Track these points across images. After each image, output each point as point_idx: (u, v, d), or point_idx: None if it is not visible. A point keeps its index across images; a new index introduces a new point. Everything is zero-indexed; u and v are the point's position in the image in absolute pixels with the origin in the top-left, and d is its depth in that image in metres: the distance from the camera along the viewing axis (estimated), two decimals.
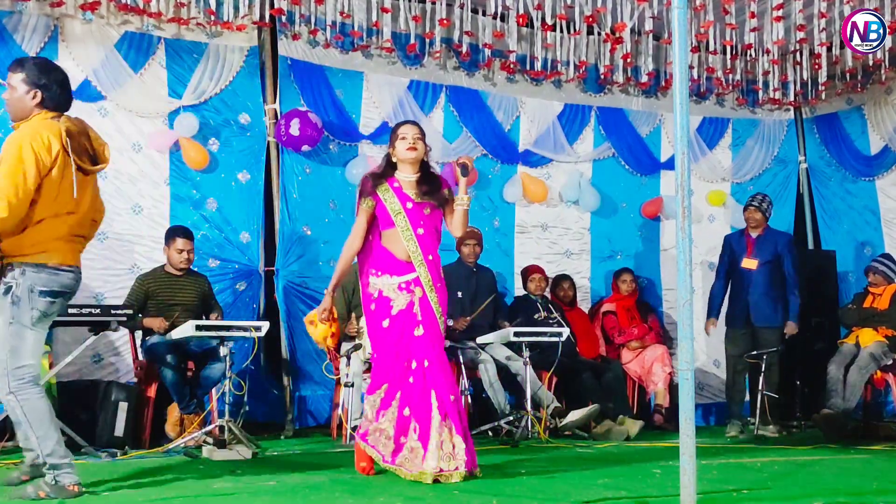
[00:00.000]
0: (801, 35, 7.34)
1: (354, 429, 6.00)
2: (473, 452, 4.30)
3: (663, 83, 8.37)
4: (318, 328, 4.89)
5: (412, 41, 7.36)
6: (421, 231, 4.42)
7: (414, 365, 4.34)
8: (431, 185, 4.50)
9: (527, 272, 7.60)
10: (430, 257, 4.44)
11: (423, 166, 4.54)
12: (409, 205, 4.43)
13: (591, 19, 7.34)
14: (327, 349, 5.94)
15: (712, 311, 7.29)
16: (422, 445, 4.21)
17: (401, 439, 4.27)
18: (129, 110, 6.69)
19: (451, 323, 6.77)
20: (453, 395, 4.32)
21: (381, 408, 4.34)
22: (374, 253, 4.48)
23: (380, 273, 4.42)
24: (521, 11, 7.16)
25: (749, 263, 7.19)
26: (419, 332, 4.37)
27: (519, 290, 7.82)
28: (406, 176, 4.50)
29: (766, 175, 8.89)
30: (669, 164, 8.47)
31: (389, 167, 4.53)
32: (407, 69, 7.62)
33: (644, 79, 8.15)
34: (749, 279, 7.16)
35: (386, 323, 4.38)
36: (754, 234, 7.29)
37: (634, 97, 8.50)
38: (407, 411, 4.29)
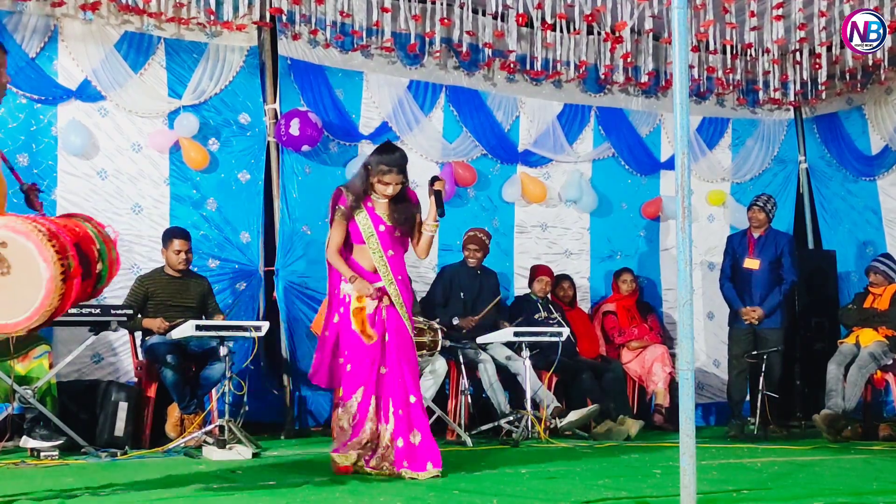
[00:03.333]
0: (801, 34, 7.34)
1: None
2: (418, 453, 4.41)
3: (663, 83, 8.37)
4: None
5: (412, 41, 7.36)
6: (391, 252, 4.57)
7: (383, 370, 4.50)
8: (404, 210, 4.60)
9: (534, 272, 7.59)
10: (400, 277, 4.58)
11: None
12: (382, 227, 4.56)
13: (591, 19, 7.34)
14: None
15: (736, 303, 7.24)
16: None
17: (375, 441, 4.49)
18: (129, 110, 6.69)
19: (456, 322, 6.78)
20: (401, 410, 4.45)
21: (360, 416, 4.47)
22: (345, 261, 4.61)
23: (349, 280, 4.55)
24: (521, 11, 7.16)
25: (751, 264, 7.20)
26: (386, 338, 4.53)
27: (519, 290, 7.82)
28: (380, 198, 4.59)
29: (766, 175, 8.88)
30: (669, 164, 8.47)
31: (365, 186, 4.57)
32: (407, 69, 7.62)
33: (644, 79, 8.15)
34: (751, 279, 7.17)
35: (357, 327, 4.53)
36: (756, 235, 7.30)
37: (634, 97, 8.50)
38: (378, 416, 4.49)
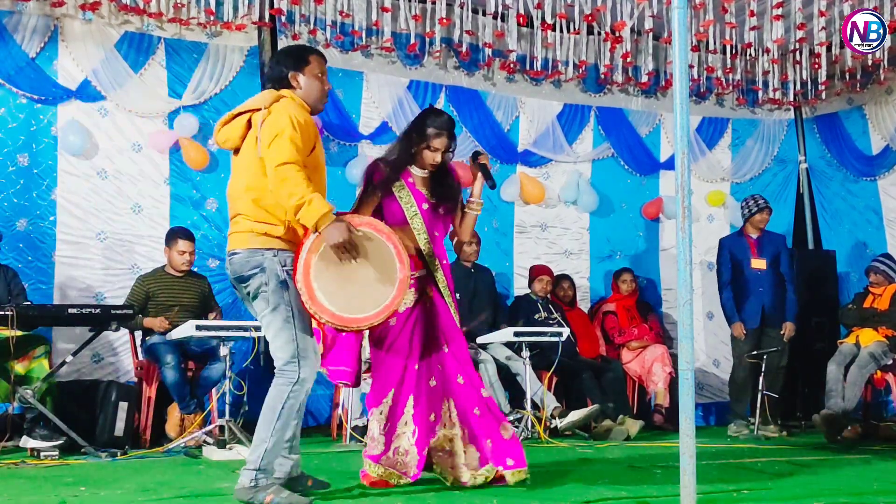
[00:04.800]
0: (800, 34, 7.34)
1: (354, 428, 6.03)
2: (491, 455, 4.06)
3: (663, 83, 8.37)
4: None
5: (412, 41, 7.36)
6: (437, 234, 4.16)
7: (421, 369, 4.06)
8: (447, 185, 4.18)
9: (534, 272, 7.59)
10: (444, 261, 4.17)
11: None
12: (425, 206, 4.13)
13: (590, 18, 7.34)
14: None
15: (734, 317, 7.21)
16: (418, 452, 4.02)
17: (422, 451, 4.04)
18: (129, 110, 6.69)
19: None
20: (477, 409, 4.07)
21: (391, 428, 4.03)
22: None
23: None
24: (521, 11, 7.16)
25: (759, 264, 7.21)
26: (435, 333, 4.10)
27: (518, 291, 7.82)
28: (420, 171, 4.17)
29: (766, 175, 8.88)
30: (669, 165, 8.47)
31: (406, 157, 4.14)
32: (407, 69, 7.62)
33: (644, 78, 8.15)
34: (760, 280, 7.18)
35: (393, 321, 4.01)
36: (755, 236, 7.30)
37: (634, 97, 8.50)
38: (416, 422, 4.05)
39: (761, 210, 7.29)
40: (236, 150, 3.77)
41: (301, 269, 3.49)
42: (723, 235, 7.70)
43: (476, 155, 4.27)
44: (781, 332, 7.19)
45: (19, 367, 5.31)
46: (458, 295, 6.84)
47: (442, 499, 3.82)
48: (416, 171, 4.18)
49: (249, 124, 3.69)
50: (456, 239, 4.38)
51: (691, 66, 7.93)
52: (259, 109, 3.67)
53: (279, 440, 3.60)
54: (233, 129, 3.74)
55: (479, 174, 4.20)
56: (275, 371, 3.64)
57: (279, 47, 7.09)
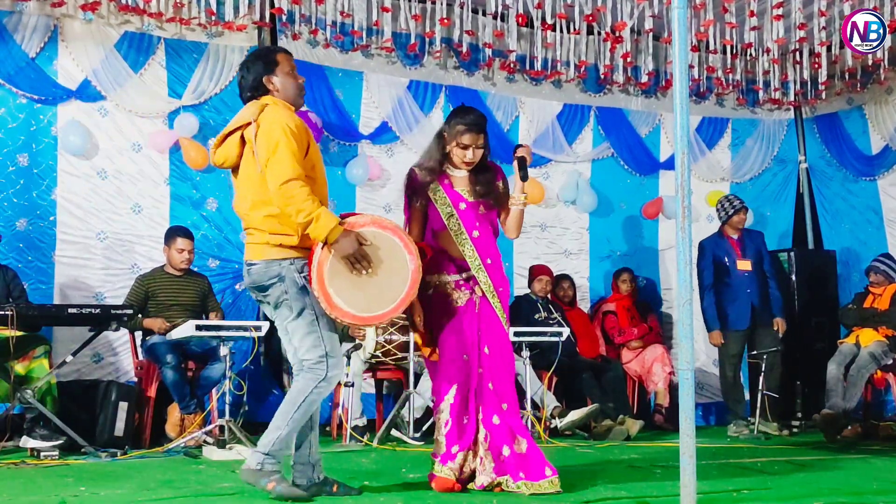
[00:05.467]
0: (800, 34, 7.34)
1: (354, 428, 6.03)
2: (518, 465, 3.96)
3: (663, 83, 8.37)
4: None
5: (412, 41, 7.37)
6: (476, 234, 4.05)
7: (478, 370, 4.03)
8: (487, 181, 4.10)
9: (533, 272, 7.59)
10: (489, 261, 4.06)
11: None
12: (463, 205, 4.05)
13: (590, 18, 7.34)
14: None
15: (714, 324, 7.17)
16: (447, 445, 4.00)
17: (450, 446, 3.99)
18: (129, 110, 6.69)
19: None
20: (496, 418, 3.99)
21: (455, 421, 3.98)
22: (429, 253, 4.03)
23: (432, 271, 4.02)
24: (521, 11, 7.16)
25: (745, 265, 7.20)
26: (479, 335, 4.04)
27: (518, 291, 7.81)
28: (457, 171, 4.11)
29: (766, 175, 8.88)
30: (668, 164, 8.47)
31: (441, 159, 4.09)
32: (407, 69, 7.62)
33: (644, 78, 8.15)
34: (747, 281, 7.16)
35: (446, 318, 4.03)
36: (735, 236, 7.29)
37: (634, 97, 8.50)
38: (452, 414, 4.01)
39: (738, 211, 7.26)
40: (235, 169, 3.80)
41: (315, 276, 3.57)
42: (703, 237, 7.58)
43: (516, 148, 4.22)
44: (774, 329, 7.19)
45: (19, 367, 5.31)
46: None
47: (442, 499, 3.82)
48: (453, 172, 4.13)
49: (243, 140, 3.71)
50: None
51: (691, 66, 7.93)
52: (249, 124, 3.68)
53: (293, 430, 3.68)
54: (228, 149, 3.76)
55: (517, 168, 4.15)
56: (291, 370, 3.68)
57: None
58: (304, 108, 7.04)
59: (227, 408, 5.42)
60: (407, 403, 6.10)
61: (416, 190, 4.09)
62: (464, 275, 4.05)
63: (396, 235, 3.73)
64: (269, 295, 3.70)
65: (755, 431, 6.87)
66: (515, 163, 4.16)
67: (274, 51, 3.94)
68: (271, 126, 3.61)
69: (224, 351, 5.48)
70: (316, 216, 3.52)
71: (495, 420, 3.98)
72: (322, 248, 3.58)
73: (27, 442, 5.17)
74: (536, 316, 7.26)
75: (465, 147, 4.06)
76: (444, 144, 4.10)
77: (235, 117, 3.79)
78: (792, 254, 8.12)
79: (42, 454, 5.05)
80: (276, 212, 3.63)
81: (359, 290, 3.63)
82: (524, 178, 4.13)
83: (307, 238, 3.62)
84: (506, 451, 3.95)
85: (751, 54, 7.91)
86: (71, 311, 5.36)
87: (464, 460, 3.97)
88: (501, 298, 4.06)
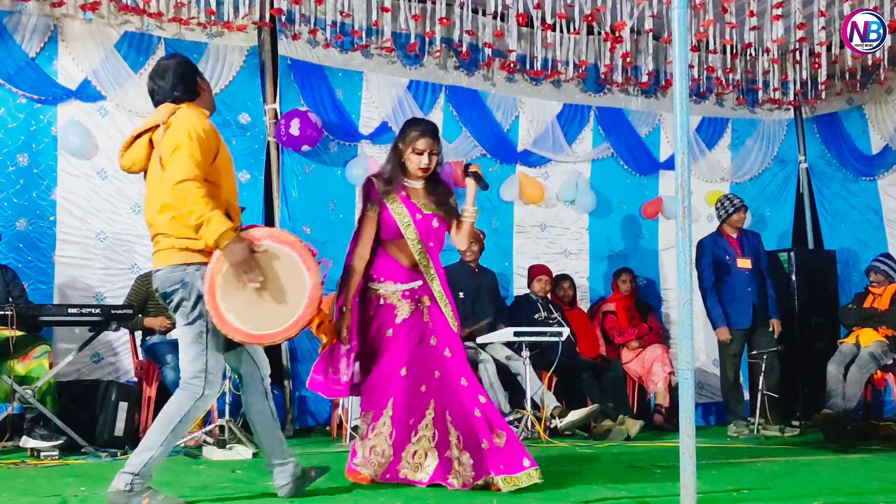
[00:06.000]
0: (800, 34, 7.34)
1: (354, 428, 6.02)
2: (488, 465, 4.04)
3: (663, 83, 8.37)
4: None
5: (412, 41, 7.36)
6: (431, 244, 4.23)
7: (409, 374, 4.15)
8: (440, 195, 4.26)
9: (532, 272, 7.59)
10: (441, 271, 4.27)
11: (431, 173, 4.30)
12: (419, 216, 4.20)
13: (590, 18, 7.34)
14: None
15: (720, 321, 7.17)
16: (394, 452, 4.13)
17: (399, 451, 4.16)
18: (129, 110, 6.69)
19: None
20: (478, 410, 4.09)
21: (370, 428, 4.16)
22: (377, 259, 4.23)
23: (382, 279, 4.20)
24: (521, 11, 7.16)
25: (745, 263, 7.21)
26: (433, 341, 4.19)
27: (518, 291, 7.82)
28: (413, 183, 4.26)
29: (766, 175, 8.89)
30: (668, 165, 8.47)
31: (398, 170, 4.23)
32: (407, 69, 7.62)
33: (644, 78, 8.15)
34: (747, 279, 7.17)
35: (390, 332, 4.17)
36: (735, 235, 7.30)
37: (634, 97, 8.50)
38: (394, 423, 4.15)
39: (738, 210, 7.27)
40: (146, 173, 3.70)
41: (207, 290, 3.46)
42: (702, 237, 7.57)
43: (467, 166, 4.35)
44: (770, 330, 7.19)
45: (19, 368, 5.31)
46: (461, 294, 6.92)
47: (442, 499, 3.82)
48: (410, 184, 4.26)
49: (152, 144, 3.64)
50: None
51: (691, 66, 7.93)
52: (158, 126, 3.62)
53: (165, 452, 3.57)
54: (137, 152, 3.67)
55: (473, 182, 4.29)
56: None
57: (279, 47, 7.11)
58: (304, 108, 7.07)
59: (226, 408, 5.42)
60: None
61: (371, 199, 4.21)
62: (414, 284, 4.19)
63: (295, 251, 3.53)
64: (171, 300, 3.58)
65: (755, 431, 6.87)
66: (473, 178, 4.30)
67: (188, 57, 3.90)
68: (178, 128, 3.53)
69: None
70: (207, 219, 3.40)
71: (477, 413, 4.07)
72: (216, 260, 3.45)
73: (27, 442, 5.18)
74: (536, 316, 7.26)
75: (421, 153, 4.19)
76: (400, 155, 4.23)
77: (146, 120, 3.72)
78: (792, 254, 8.11)
79: (42, 454, 5.05)
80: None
81: (252, 306, 3.46)
82: (485, 187, 4.33)
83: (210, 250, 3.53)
84: (485, 445, 4.02)
85: (751, 54, 7.91)
86: (71, 311, 5.36)
87: (425, 458, 4.11)
88: (451, 304, 4.25)
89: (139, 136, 3.69)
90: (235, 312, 3.46)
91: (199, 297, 3.53)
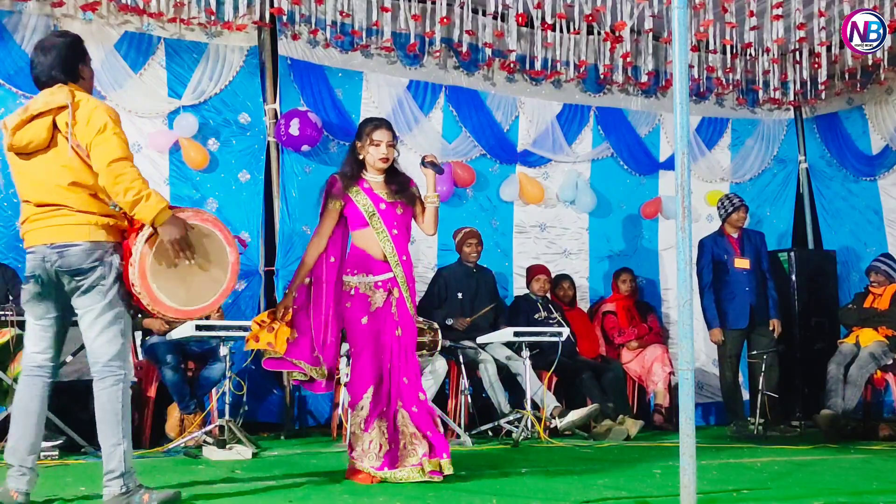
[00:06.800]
0: (800, 34, 7.34)
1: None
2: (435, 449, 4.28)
3: (663, 83, 8.37)
4: (274, 333, 4.40)
5: (412, 41, 7.36)
6: (395, 231, 4.40)
7: (389, 366, 4.36)
8: (400, 184, 4.48)
9: (531, 272, 7.60)
10: (404, 257, 4.42)
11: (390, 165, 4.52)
12: (383, 206, 4.40)
13: (590, 18, 7.34)
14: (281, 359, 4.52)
15: (714, 322, 7.19)
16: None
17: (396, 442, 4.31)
18: (128, 110, 6.68)
19: (450, 322, 6.77)
20: (415, 407, 4.33)
21: (371, 416, 4.31)
22: (350, 253, 4.46)
23: (356, 272, 4.39)
24: (521, 11, 7.16)
25: (743, 263, 7.20)
26: (398, 332, 4.37)
27: (518, 291, 7.82)
28: (374, 176, 4.47)
29: (766, 175, 8.89)
30: (668, 165, 8.47)
31: (357, 166, 4.46)
32: (406, 69, 7.62)
33: (644, 78, 8.15)
34: (745, 279, 7.16)
35: (365, 320, 4.36)
36: (735, 235, 7.29)
37: (634, 97, 8.50)
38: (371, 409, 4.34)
39: (737, 209, 7.27)
40: (33, 153, 3.59)
41: (137, 271, 3.48)
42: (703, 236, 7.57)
43: (423, 158, 4.55)
44: (771, 330, 7.19)
45: (20, 368, 5.30)
46: (460, 294, 6.93)
47: (442, 499, 3.82)
48: (370, 177, 4.46)
49: (55, 125, 3.55)
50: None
51: (691, 66, 7.93)
52: (64, 107, 3.52)
53: (130, 441, 3.55)
54: (37, 132, 3.56)
55: (430, 171, 4.49)
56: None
57: (278, 47, 7.11)
58: (304, 108, 7.07)
59: (226, 408, 5.42)
60: None
61: (334, 194, 4.44)
62: (387, 275, 4.37)
63: (217, 227, 3.71)
64: (86, 278, 3.51)
65: (755, 431, 6.87)
66: (430, 168, 4.49)
67: (81, 38, 3.77)
68: (95, 109, 3.52)
69: (224, 351, 5.48)
70: (146, 195, 3.45)
71: (414, 409, 4.31)
72: (145, 242, 3.48)
73: None
74: (536, 316, 7.26)
75: (378, 144, 4.41)
76: (358, 152, 4.47)
77: (41, 101, 3.59)
78: (792, 254, 8.12)
79: (42, 454, 5.04)
80: (102, 195, 3.51)
81: (180, 282, 3.58)
82: (440, 171, 4.51)
83: (124, 228, 3.56)
84: (429, 433, 4.27)
85: (751, 54, 7.91)
86: None
87: (380, 449, 4.27)
88: (412, 295, 4.44)
89: (37, 116, 3.56)
90: (167, 292, 3.56)
91: (117, 277, 3.52)
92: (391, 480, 4.20)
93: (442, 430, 4.38)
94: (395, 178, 4.49)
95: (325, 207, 4.46)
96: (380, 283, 4.37)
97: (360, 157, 4.45)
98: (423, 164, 4.51)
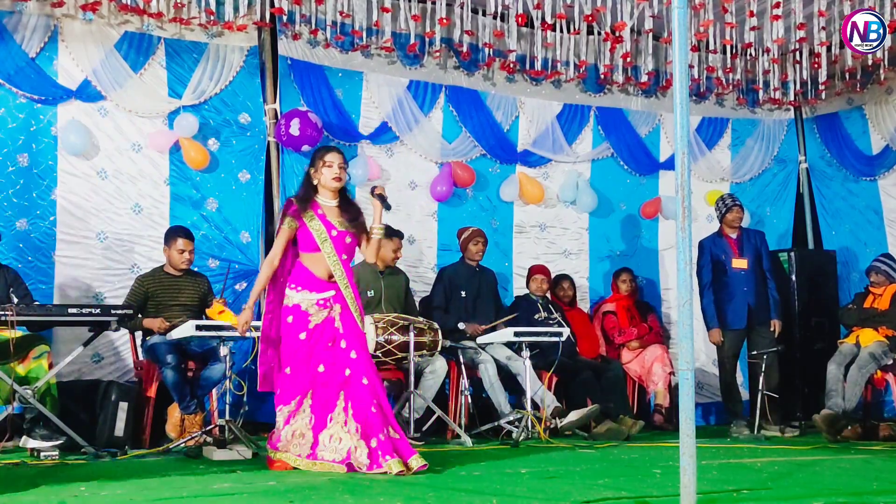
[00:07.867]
0: (800, 34, 7.34)
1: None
2: (389, 452, 4.46)
3: (663, 83, 8.37)
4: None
5: (412, 41, 7.37)
6: (344, 257, 4.72)
7: (325, 371, 4.62)
8: (352, 214, 4.78)
9: (530, 272, 7.60)
10: (352, 280, 4.74)
11: (342, 192, 4.81)
12: (334, 232, 4.70)
13: (590, 18, 7.35)
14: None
15: (713, 322, 7.20)
16: (313, 435, 4.58)
17: (317, 435, 4.61)
18: (129, 110, 6.70)
19: (462, 326, 6.76)
20: (374, 407, 4.54)
21: (291, 416, 4.63)
22: (294, 270, 4.74)
23: (299, 288, 4.67)
24: (521, 11, 7.16)
25: (741, 263, 7.20)
26: (343, 344, 4.64)
27: (518, 291, 7.82)
28: (327, 202, 4.75)
29: (766, 175, 8.89)
30: (668, 165, 8.48)
31: (311, 189, 4.75)
32: (407, 69, 7.62)
33: (644, 78, 8.15)
34: (743, 279, 7.16)
35: (303, 335, 4.64)
36: (734, 235, 7.29)
37: (634, 97, 8.50)
38: (313, 411, 4.63)
39: (730, 209, 7.26)
40: None
41: None
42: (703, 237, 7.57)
43: (373, 189, 4.84)
44: (771, 330, 7.19)
45: (19, 368, 5.31)
46: (462, 293, 6.93)
47: (441, 499, 3.82)
48: (324, 201, 4.76)
49: None
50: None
51: (691, 66, 7.93)
52: None
53: None
54: None
55: (378, 203, 4.79)
56: None
57: (279, 47, 7.12)
58: (304, 108, 7.07)
59: (227, 408, 5.41)
60: (407, 403, 6.10)
61: (291, 214, 4.72)
62: (328, 294, 4.66)
63: None
64: None
65: (755, 431, 6.87)
66: (378, 200, 4.78)
67: None
68: None
69: (224, 351, 5.47)
70: None
71: (373, 409, 4.53)
72: None
73: (27, 442, 5.17)
74: (536, 316, 7.26)
75: (331, 165, 4.71)
76: (311, 177, 4.77)
77: None
78: (792, 254, 8.12)
79: (42, 454, 5.04)
80: None
81: None
82: (388, 207, 4.82)
83: None
84: (381, 437, 4.47)
85: (751, 54, 7.92)
86: (71, 311, 5.35)
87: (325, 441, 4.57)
88: (360, 309, 4.74)
89: None
90: None
91: None
92: (305, 469, 4.51)
93: (396, 435, 4.56)
94: (349, 208, 4.80)
95: (282, 227, 4.74)
96: (321, 301, 4.66)
97: (315, 182, 4.75)
98: (373, 194, 4.80)
